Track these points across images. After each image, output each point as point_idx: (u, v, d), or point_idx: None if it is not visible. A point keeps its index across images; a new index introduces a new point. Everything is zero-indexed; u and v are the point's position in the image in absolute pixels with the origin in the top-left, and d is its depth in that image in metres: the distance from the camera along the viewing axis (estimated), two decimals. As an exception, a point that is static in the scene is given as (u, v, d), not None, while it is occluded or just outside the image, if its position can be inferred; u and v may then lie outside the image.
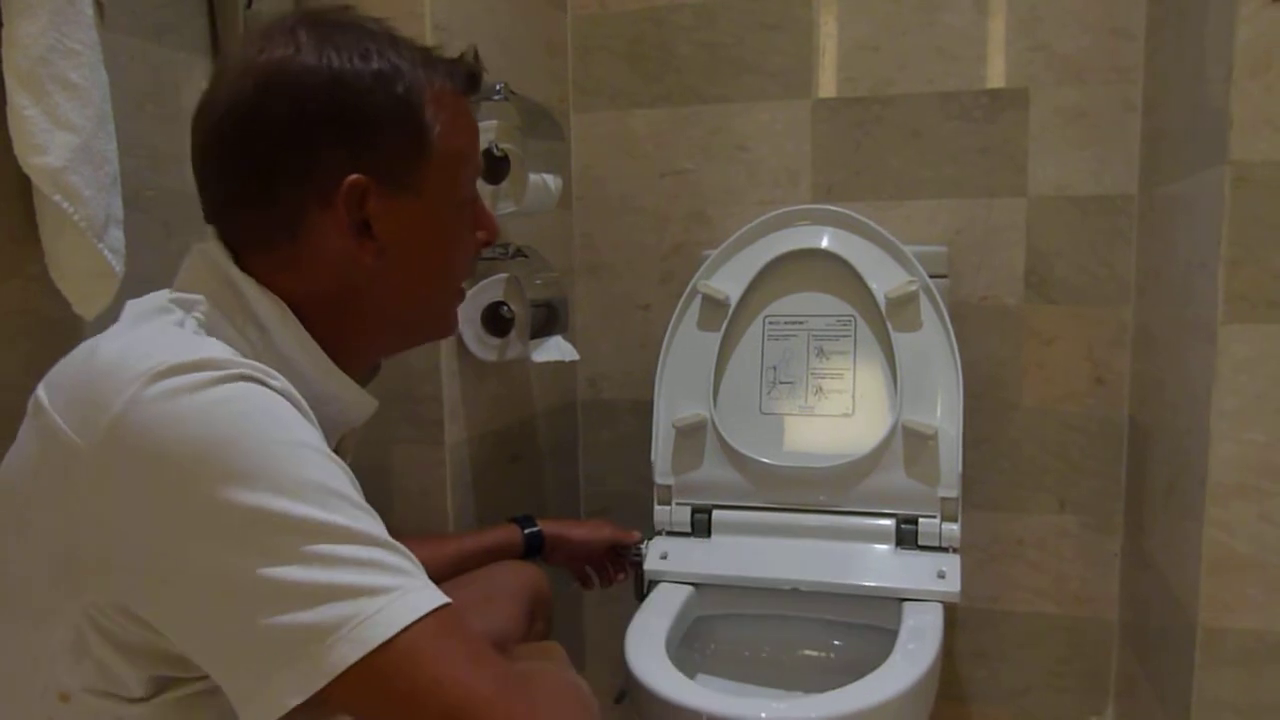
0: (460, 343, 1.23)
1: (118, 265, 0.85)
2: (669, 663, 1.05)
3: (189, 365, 0.60)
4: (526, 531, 1.20)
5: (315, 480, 0.59)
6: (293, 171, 0.69)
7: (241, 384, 0.61)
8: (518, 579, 1.15)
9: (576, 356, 1.32)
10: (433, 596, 0.60)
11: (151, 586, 0.59)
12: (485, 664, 0.61)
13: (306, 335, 0.71)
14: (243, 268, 0.71)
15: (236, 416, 0.59)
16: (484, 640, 0.63)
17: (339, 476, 0.61)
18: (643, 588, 1.31)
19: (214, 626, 0.58)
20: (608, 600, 1.39)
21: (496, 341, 1.22)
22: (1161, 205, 1.27)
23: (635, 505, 1.44)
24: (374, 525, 0.61)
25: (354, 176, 0.69)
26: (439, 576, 1.10)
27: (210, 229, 0.73)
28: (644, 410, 1.38)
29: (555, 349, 1.27)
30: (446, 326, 0.83)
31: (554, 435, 1.58)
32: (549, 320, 1.33)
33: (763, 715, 0.91)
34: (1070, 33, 1.39)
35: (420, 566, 0.62)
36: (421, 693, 0.57)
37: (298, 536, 0.57)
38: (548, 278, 1.33)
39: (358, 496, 0.62)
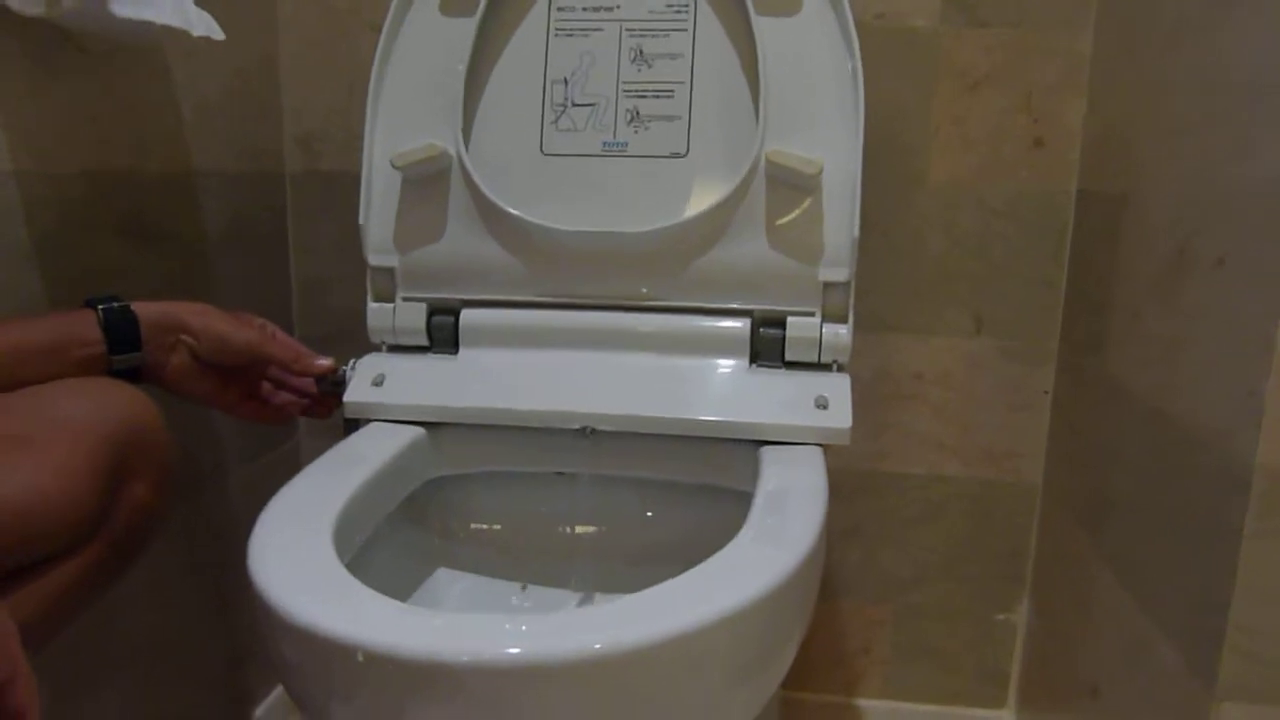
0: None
1: None
2: (327, 558, 0.55)
3: None
4: (101, 309, 0.67)
5: None
6: None
7: None
8: (90, 407, 0.65)
9: (217, 34, 0.75)
10: None
11: None
12: None
13: None
14: None
15: None
16: None
17: None
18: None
19: None
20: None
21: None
22: None
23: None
24: None
25: None
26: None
27: None
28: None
29: (170, 8, 0.71)
30: None
31: (244, 220, 1.02)
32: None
33: (463, 658, 0.42)
34: None
35: None
36: None
37: None
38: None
39: None
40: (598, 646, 0.43)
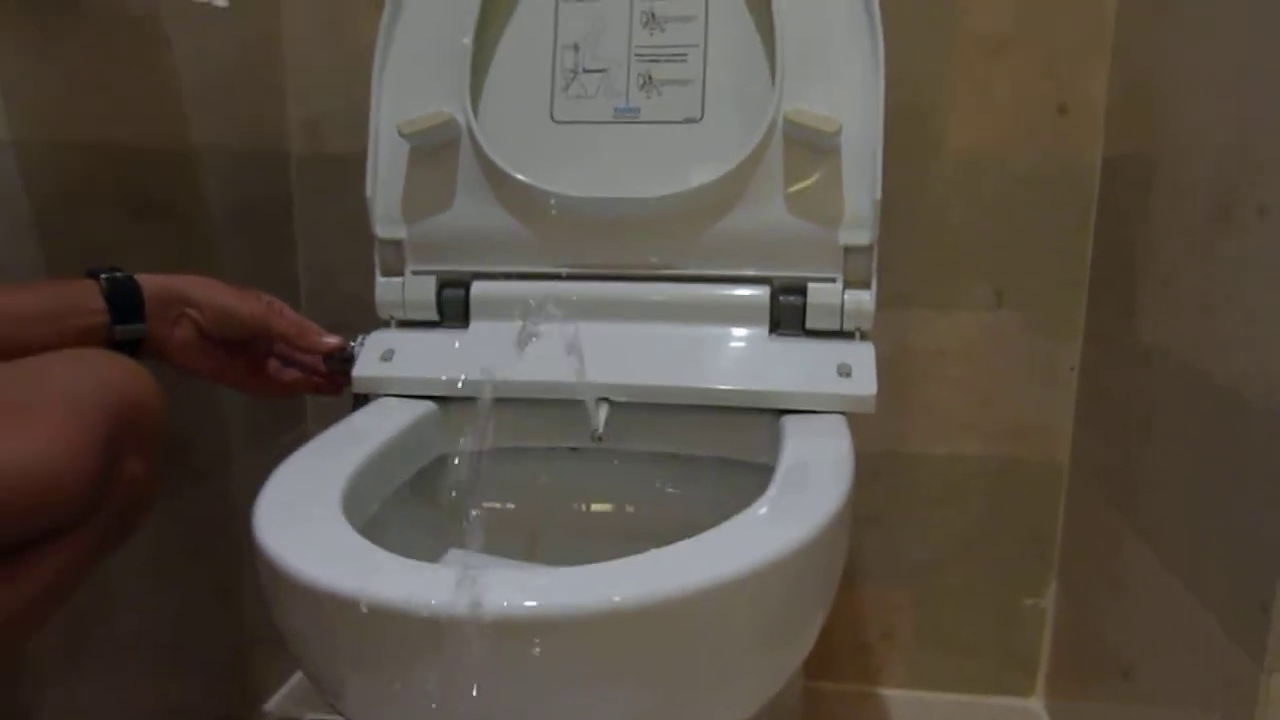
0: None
1: None
2: (337, 521, 0.53)
3: None
4: (104, 278, 0.65)
5: None
6: None
7: None
8: (90, 379, 0.63)
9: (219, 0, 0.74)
10: None
11: None
12: None
13: None
14: None
15: None
16: None
17: None
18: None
19: None
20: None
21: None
22: None
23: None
24: None
25: None
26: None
27: None
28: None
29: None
30: None
31: (248, 201, 1.00)
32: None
33: (476, 611, 0.39)
34: None
35: None
36: None
37: None
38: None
39: None
40: (617, 599, 0.40)
